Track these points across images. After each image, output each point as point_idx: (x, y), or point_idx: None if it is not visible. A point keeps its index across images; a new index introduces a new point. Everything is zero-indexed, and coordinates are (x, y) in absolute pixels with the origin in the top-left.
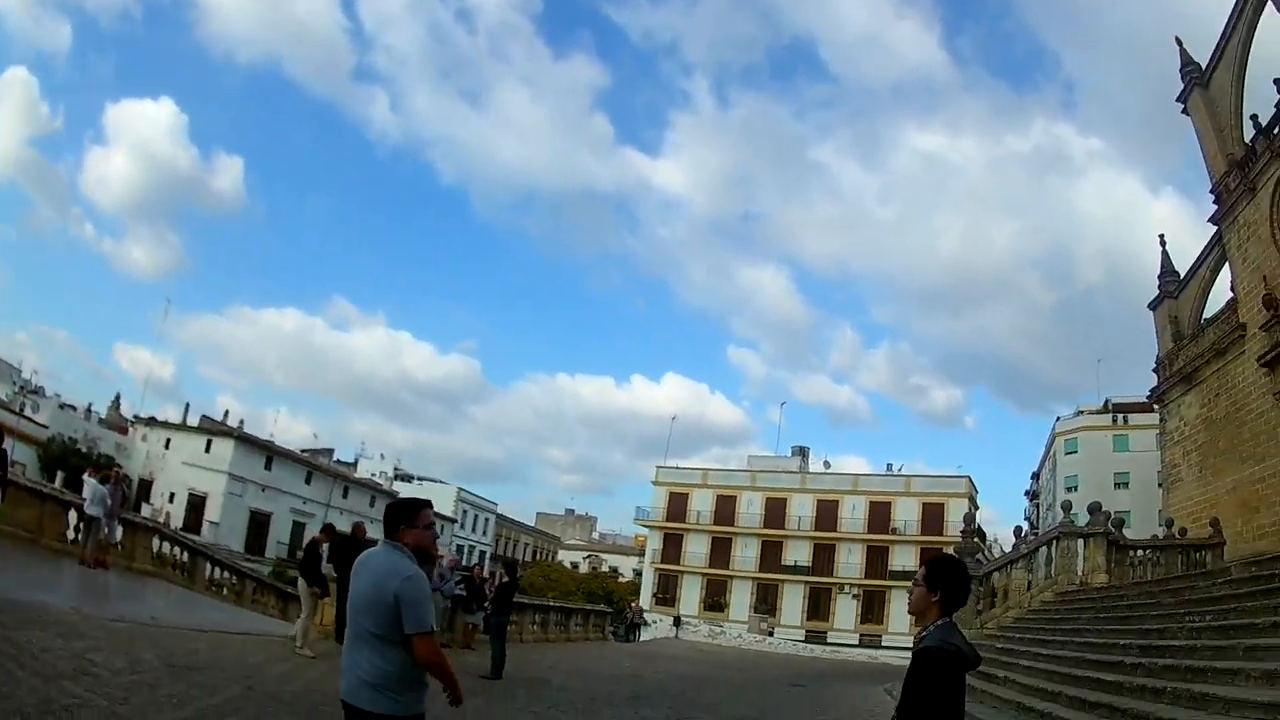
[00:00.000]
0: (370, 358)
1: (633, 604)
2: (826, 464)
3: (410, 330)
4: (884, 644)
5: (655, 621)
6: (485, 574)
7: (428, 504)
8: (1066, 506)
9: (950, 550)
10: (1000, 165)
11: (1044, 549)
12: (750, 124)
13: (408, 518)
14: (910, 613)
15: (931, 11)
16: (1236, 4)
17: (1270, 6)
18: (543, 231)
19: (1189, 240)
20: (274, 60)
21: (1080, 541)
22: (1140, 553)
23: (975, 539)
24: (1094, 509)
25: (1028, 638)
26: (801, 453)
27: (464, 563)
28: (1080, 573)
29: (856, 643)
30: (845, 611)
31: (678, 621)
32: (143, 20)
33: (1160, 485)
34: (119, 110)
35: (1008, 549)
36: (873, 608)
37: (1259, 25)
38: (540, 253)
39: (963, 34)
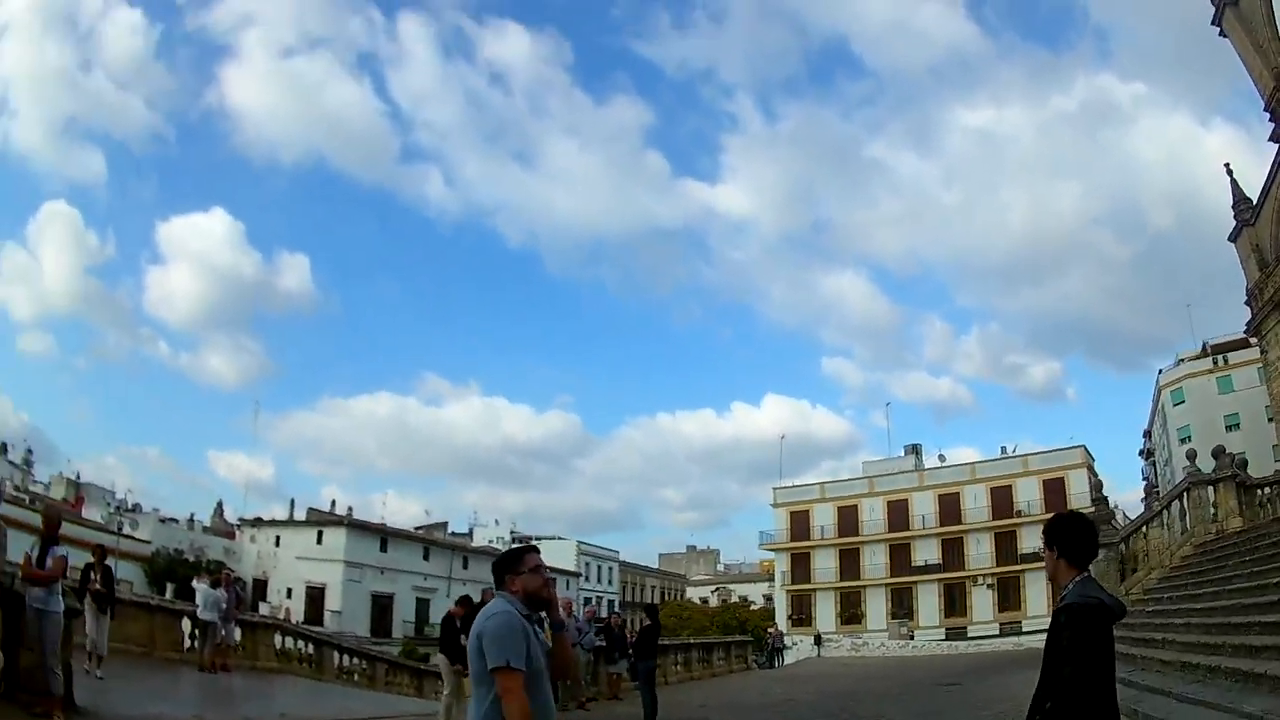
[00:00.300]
0: (469, 428)
1: (770, 629)
2: (941, 458)
3: (505, 395)
4: (1024, 630)
5: (795, 643)
6: (621, 620)
7: (532, 549)
8: (1191, 455)
9: None
10: (1051, 128)
11: (1175, 503)
12: (800, 134)
13: (512, 566)
14: (1050, 579)
15: None
16: None
17: None
18: (617, 277)
19: (1249, 167)
20: (317, 156)
21: (1210, 489)
22: (1267, 490)
23: (1106, 505)
24: (1218, 453)
25: (1177, 595)
26: (914, 451)
27: (597, 614)
28: (1216, 520)
29: (997, 633)
30: (982, 603)
31: (818, 640)
32: (176, 140)
33: (1271, 420)
34: (170, 227)
35: (1130, 514)
36: (1009, 595)
37: None
38: (618, 298)
39: (986, 3)
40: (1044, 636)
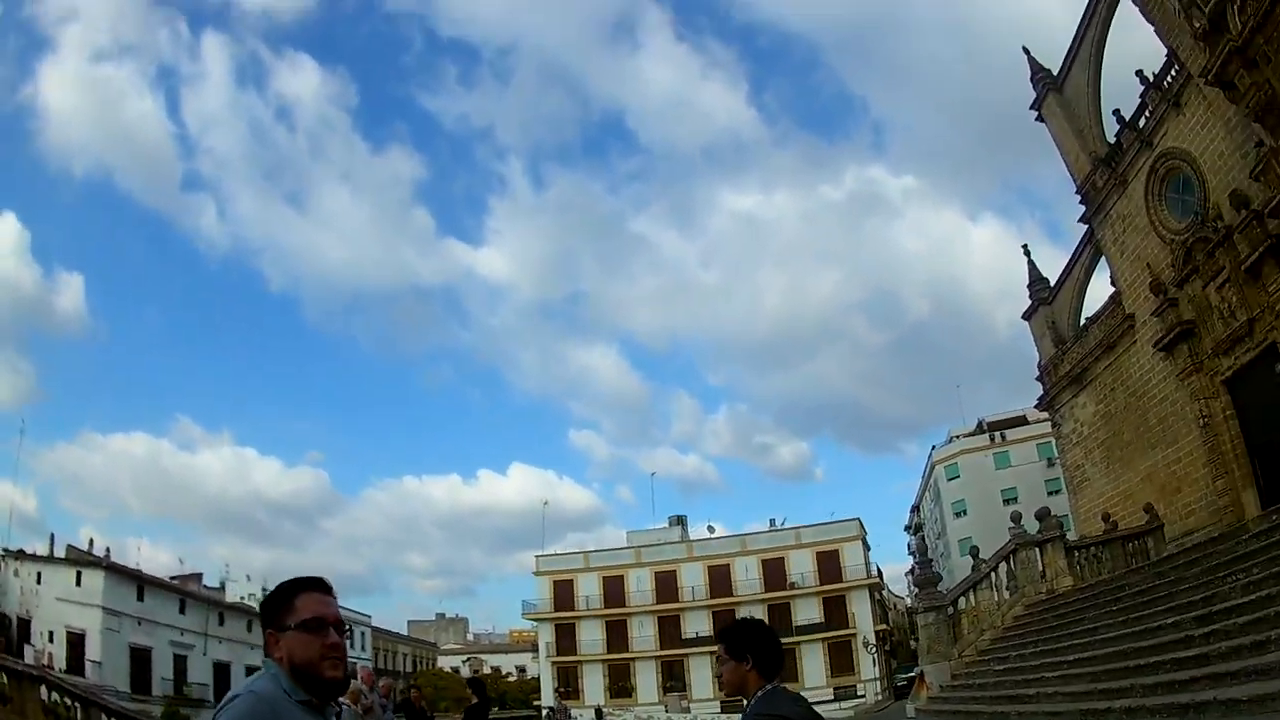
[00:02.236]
0: (220, 478)
1: (556, 704)
2: (711, 529)
3: (256, 446)
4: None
5: (579, 716)
6: (420, 695)
7: (309, 584)
8: (1016, 518)
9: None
10: (816, 215)
11: (1002, 565)
12: (567, 203)
13: (273, 615)
14: (728, 693)
15: (737, 69)
16: (1090, 4)
17: (1124, 3)
18: (374, 333)
19: (1013, 259)
20: (106, 171)
21: (1037, 550)
22: (1088, 550)
23: (930, 570)
24: (1043, 515)
25: (1029, 651)
26: (680, 521)
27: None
28: (1046, 579)
29: None
30: None
31: (599, 714)
32: None
33: (1051, 492)
34: None
35: (897, 589)
36: (788, 667)
37: (1113, 22)
38: (373, 354)
39: (769, 89)
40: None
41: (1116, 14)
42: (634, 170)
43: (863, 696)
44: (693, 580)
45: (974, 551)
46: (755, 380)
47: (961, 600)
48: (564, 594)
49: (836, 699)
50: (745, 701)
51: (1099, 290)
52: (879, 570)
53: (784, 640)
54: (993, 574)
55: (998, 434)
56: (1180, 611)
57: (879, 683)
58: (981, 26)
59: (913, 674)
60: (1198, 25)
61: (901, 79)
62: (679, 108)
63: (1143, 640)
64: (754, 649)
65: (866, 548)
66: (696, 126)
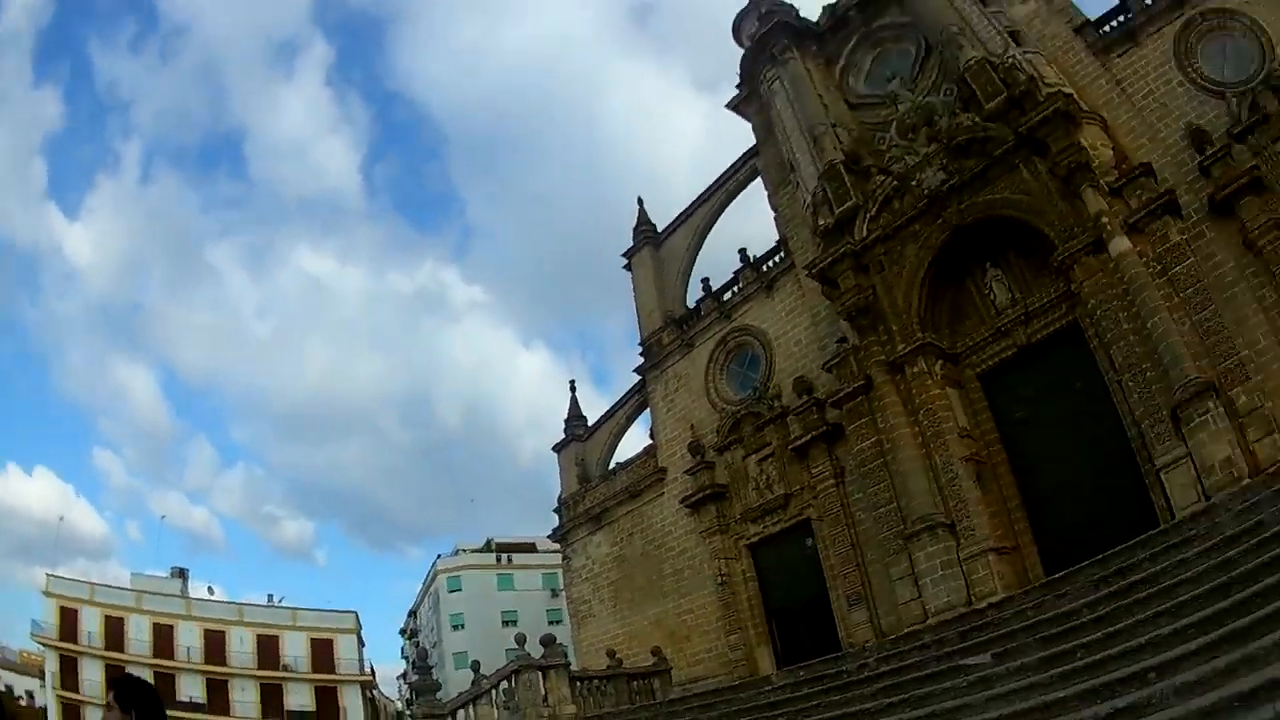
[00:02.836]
0: None
1: None
2: (210, 589)
3: None
4: None
5: None
6: None
7: None
8: (520, 640)
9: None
10: (381, 299)
11: (503, 683)
12: (160, 208)
13: None
14: None
15: (366, 132)
16: (716, 182)
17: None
18: None
19: (557, 390)
20: None
21: (540, 674)
22: (594, 683)
23: (430, 677)
24: (548, 642)
25: None
26: (182, 574)
27: None
28: (549, 705)
29: None
30: None
31: None
32: None
33: (552, 621)
34: None
35: (388, 689)
36: None
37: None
38: None
39: (384, 162)
40: None
41: (742, 194)
42: (233, 197)
43: None
44: (189, 640)
45: (475, 666)
46: (279, 447)
47: (461, 713)
48: (69, 623)
49: None
50: None
51: (635, 440)
52: (372, 668)
53: None
54: (494, 691)
55: (505, 555)
56: None
57: None
58: (608, 172)
59: None
60: (822, 224)
61: (507, 194)
62: (297, 151)
63: None
64: (140, 706)
65: (361, 643)
66: (305, 176)
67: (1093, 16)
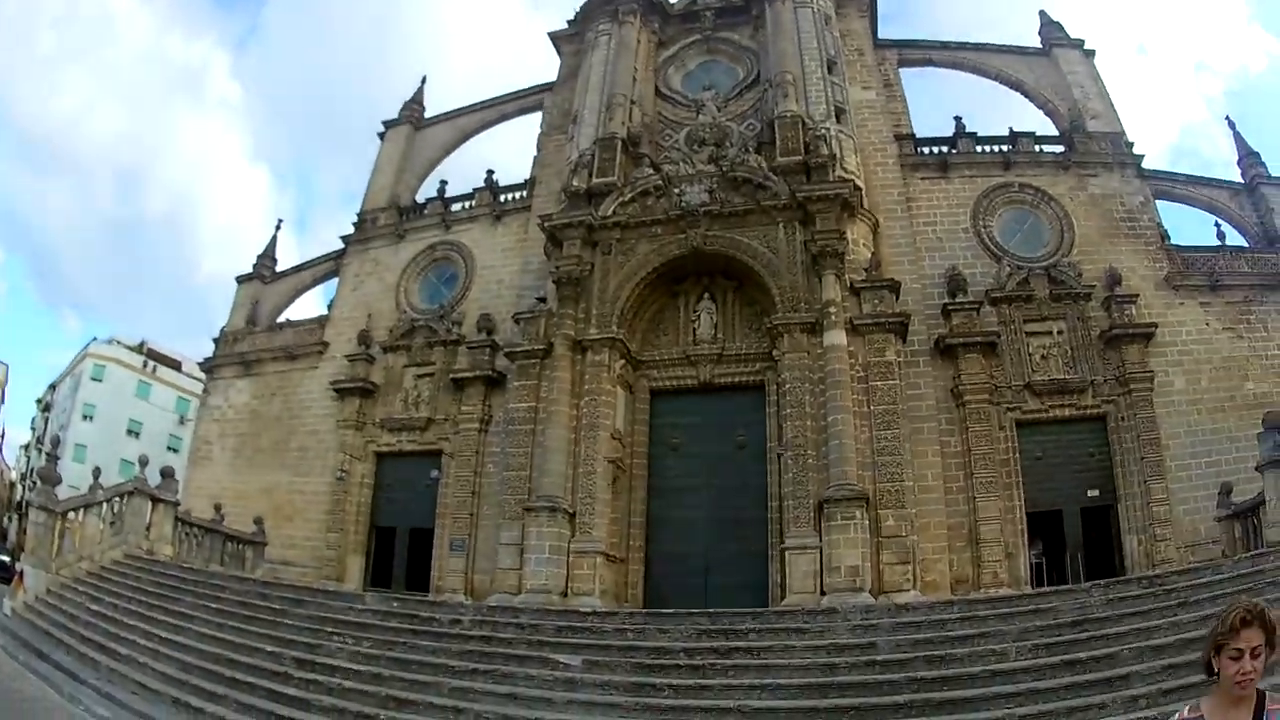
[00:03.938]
0: None
1: None
2: None
3: None
4: None
5: None
6: None
7: None
8: (144, 461)
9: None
10: (153, 59)
11: (117, 501)
12: None
13: None
14: None
15: None
16: (502, 97)
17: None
18: None
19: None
20: None
21: (149, 505)
22: (187, 527)
23: (55, 468)
24: (167, 473)
25: (125, 608)
26: None
27: None
28: (147, 539)
29: None
30: None
31: None
32: None
33: (170, 448)
34: None
35: (9, 455)
36: None
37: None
38: None
39: None
40: None
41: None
42: None
43: None
44: None
45: (96, 473)
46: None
47: (73, 515)
48: None
49: None
50: None
51: (312, 303)
52: (3, 430)
53: None
54: (105, 505)
55: (153, 364)
56: (282, 645)
57: None
58: (406, 28)
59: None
60: (576, 184)
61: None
62: None
63: (241, 654)
64: None
65: (1, 399)
66: None
67: (926, 133)
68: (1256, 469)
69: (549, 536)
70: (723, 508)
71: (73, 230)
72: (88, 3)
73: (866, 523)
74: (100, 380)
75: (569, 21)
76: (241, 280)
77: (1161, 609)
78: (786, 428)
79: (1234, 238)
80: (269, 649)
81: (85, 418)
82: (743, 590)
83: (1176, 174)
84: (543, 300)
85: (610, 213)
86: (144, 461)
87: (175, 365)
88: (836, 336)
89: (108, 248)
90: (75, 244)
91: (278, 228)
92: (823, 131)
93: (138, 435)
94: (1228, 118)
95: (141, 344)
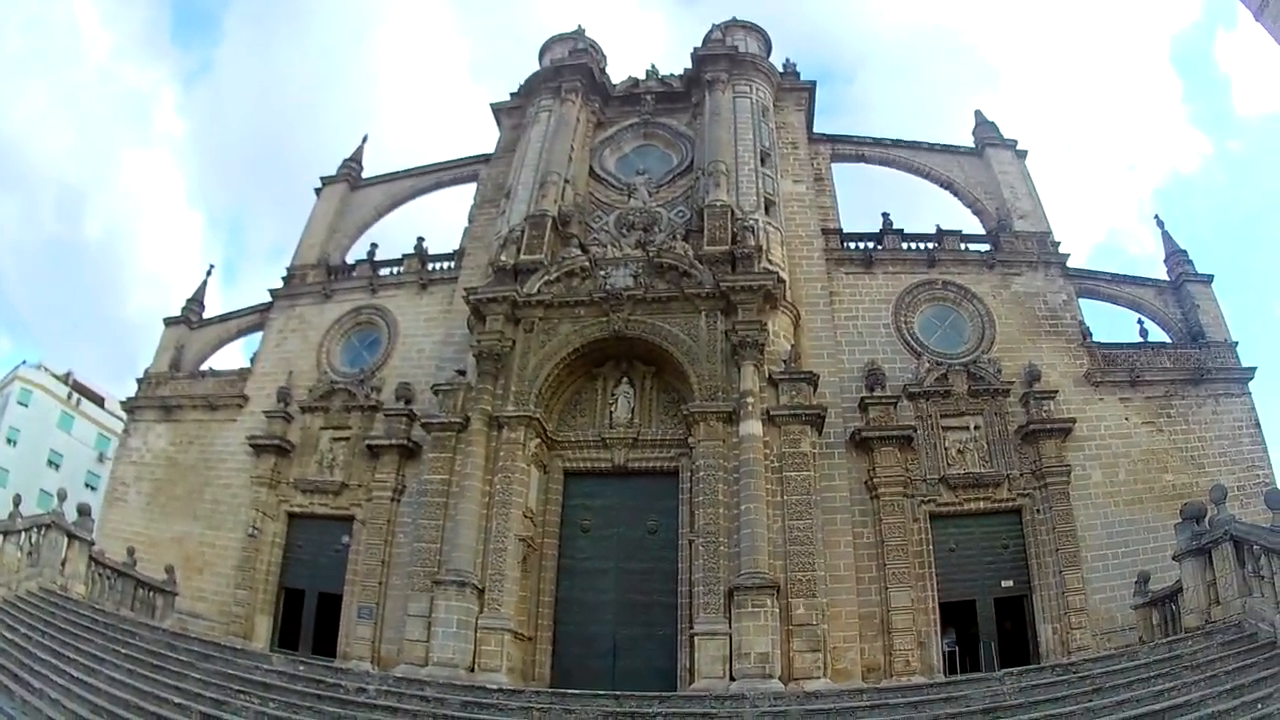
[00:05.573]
0: None
1: None
2: None
3: None
4: None
5: None
6: None
7: None
8: (62, 495)
9: None
10: (110, 80)
11: (34, 532)
12: None
13: None
14: None
15: None
16: (439, 165)
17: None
18: None
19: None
20: None
21: (65, 541)
22: (101, 568)
23: None
24: (84, 511)
25: (40, 642)
26: None
27: None
28: (62, 574)
29: None
30: None
31: None
32: None
33: (89, 485)
34: None
35: None
36: None
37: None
38: None
39: None
40: None
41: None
42: None
43: None
44: None
45: (16, 500)
46: None
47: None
48: None
49: None
50: None
51: (234, 355)
52: None
53: None
54: (22, 534)
55: (78, 397)
56: (189, 698)
57: None
58: (357, 81)
59: None
60: (503, 259)
61: (264, 49)
62: None
63: (149, 703)
64: None
65: None
66: None
67: (854, 228)
68: (1174, 558)
69: (457, 611)
70: (633, 591)
71: (12, 246)
72: (58, 10)
73: (777, 610)
74: (26, 405)
75: (512, 94)
76: (169, 323)
77: (1076, 695)
78: (699, 514)
79: (1157, 334)
80: (176, 700)
81: (9, 441)
82: (651, 674)
83: (1101, 273)
84: (462, 373)
85: (535, 291)
86: (62, 495)
87: (99, 401)
88: (753, 426)
89: (45, 267)
90: (13, 261)
91: (208, 273)
92: (751, 222)
93: (58, 467)
94: (1156, 216)
95: (68, 374)
